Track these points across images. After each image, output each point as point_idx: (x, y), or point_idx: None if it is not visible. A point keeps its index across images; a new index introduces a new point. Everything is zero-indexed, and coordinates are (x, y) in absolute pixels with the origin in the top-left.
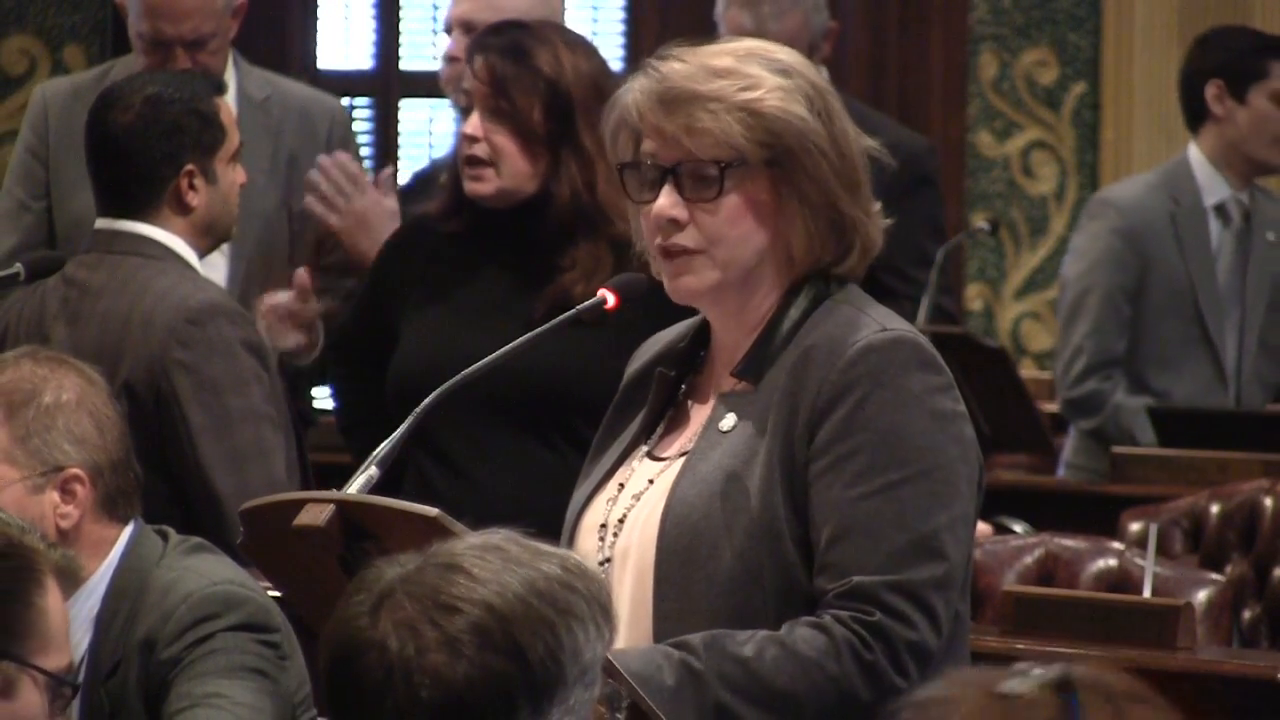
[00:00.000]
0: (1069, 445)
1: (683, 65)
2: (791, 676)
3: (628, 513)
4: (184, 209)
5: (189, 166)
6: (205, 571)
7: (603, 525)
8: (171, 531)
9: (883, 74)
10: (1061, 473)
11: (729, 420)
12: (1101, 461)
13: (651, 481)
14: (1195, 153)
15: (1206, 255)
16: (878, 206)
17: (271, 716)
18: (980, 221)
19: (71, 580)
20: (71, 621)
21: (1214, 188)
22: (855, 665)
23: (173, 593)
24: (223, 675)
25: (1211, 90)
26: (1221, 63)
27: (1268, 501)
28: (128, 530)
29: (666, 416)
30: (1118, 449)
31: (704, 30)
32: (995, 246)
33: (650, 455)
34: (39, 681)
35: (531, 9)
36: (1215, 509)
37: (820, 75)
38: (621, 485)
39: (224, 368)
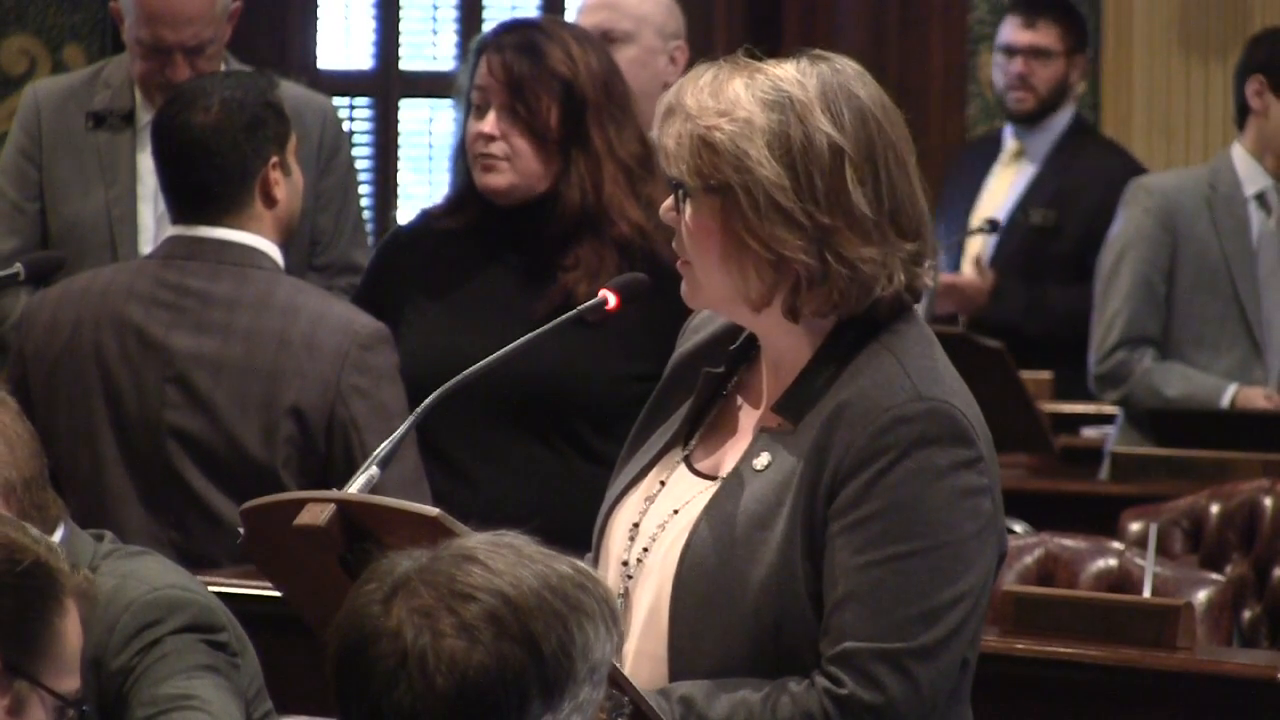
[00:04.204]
0: (1113, 434)
1: (709, 77)
2: None
3: (652, 542)
4: (271, 201)
5: (274, 159)
6: (145, 577)
7: (635, 525)
8: (108, 534)
9: (883, 74)
10: (1106, 465)
11: (763, 459)
12: (1145, 438)
13: (676, 512)
14: (1237, 147)
15: (1245, 239)
16: (871, 250)
17: (237, 712)
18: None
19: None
20: None
21: (1254, 177)
22: None
23: (114, 603)
24: (181, 676)
25: (1253, 86)
26: (1265, 59)
27: (1268, 501)
28: (55, 538)
29: (712, 413)
30: (1118, 449)
31: None
32: None
33: (687, 462)
34: (47, 703)
35: (655, 12)
36: (1215, 509)
37: (839, 114)
38: (663, 482)
39: (392, 394)
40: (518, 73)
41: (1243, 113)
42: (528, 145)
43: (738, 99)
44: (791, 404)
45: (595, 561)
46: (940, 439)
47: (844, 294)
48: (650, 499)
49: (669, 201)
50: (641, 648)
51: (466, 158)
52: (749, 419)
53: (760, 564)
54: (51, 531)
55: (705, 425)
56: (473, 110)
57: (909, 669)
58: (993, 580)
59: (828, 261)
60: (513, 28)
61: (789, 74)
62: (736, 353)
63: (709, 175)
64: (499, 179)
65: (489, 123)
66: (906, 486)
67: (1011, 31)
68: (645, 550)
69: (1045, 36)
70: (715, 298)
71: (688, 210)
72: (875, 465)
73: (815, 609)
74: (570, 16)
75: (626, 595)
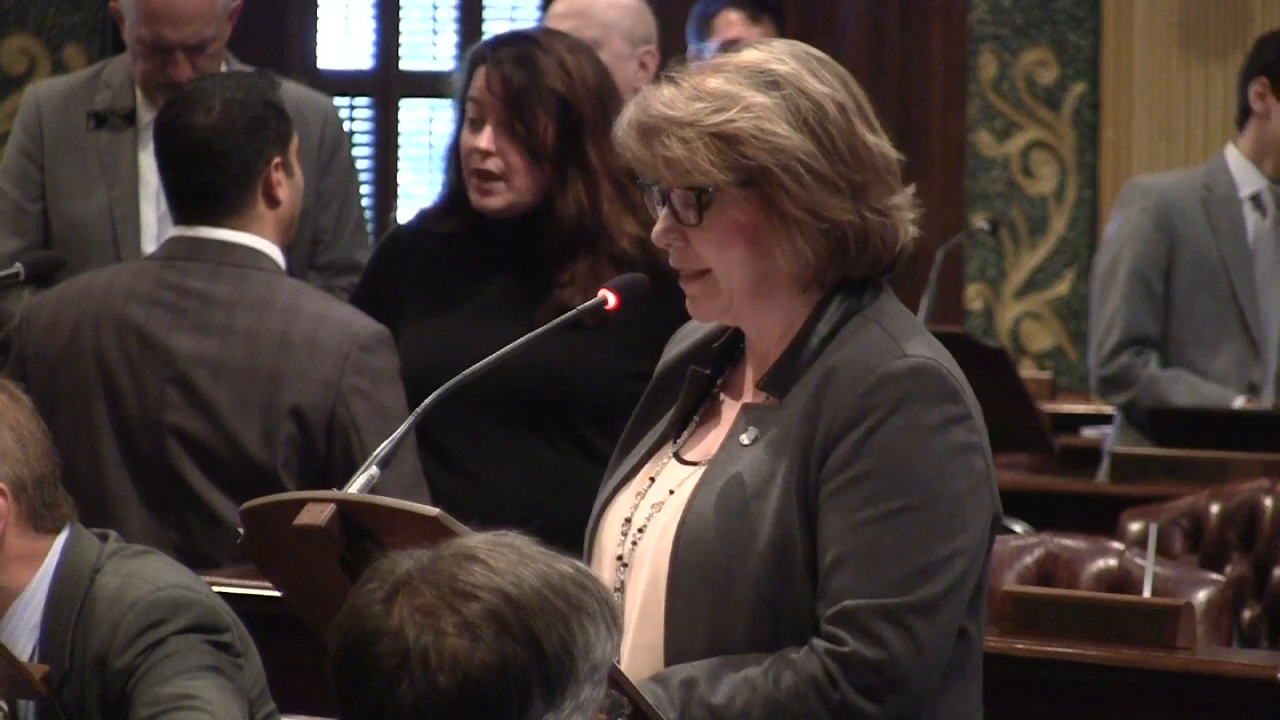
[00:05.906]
0: (1111, 434)
1: (671, 90)
2: None
3: (648, 521)
4: (274, 202)
5: (276, 159)
6: (150, 577)
7: (627, 520)
8: (112, 534)
9: (883, 74)
10: (1104, 464)
11: (750, 434)
12: (1144, 438)
13: (672, 491)
14: (1232, 149)
15: (1241, 239)
16: (897, 199)
17: (240, 712)
18: (980, 221)
19: None
20: (11, 633)
21: (1249, 179)
22: (821, 705)
23: (119, 602)
24: (184, 676)
25: (1255, 87)
26: (1270, 62)
27: (1268, 501)
28: (61, 537)
29: (699, 412)
30: (1118, 449)
31: None
32: (995, 246)
33: (677, 456)
34: None
35: (623, 18)
36: (1215, 509)
37: (824, 76)
38: (652, 479)
39: (392, 396)
40: (515, 87)
41: (1243, 115)
42: (523, 160)
43: (729, 91)
44: (776, 379)
45: (588, 561)
46: (929, 396)
47: (884, 243)
48: (641, 494)
49: (665, 222)
50: (638, 640)
51: (459, 160)
52: (734, 411)
53: (758, 536)
54: (59, 530)
55: (693, 423)
56: (467, 122)
57: (909, 624)
58: (988, 542)
59: (866, 217)
60: (509, 41)
61: (758, 57)
62: (721, 354)
63: (739, 167)
64: (496, 201)
65: (485, 138)
66: (897, 444)
67: (733, 29)
68: (640, 531)
69: (768, 32)
70: (742, 295)
71: (711, 214)
72: (865, 424)
73: (813, 580)
74: None
75: (622, 589)
